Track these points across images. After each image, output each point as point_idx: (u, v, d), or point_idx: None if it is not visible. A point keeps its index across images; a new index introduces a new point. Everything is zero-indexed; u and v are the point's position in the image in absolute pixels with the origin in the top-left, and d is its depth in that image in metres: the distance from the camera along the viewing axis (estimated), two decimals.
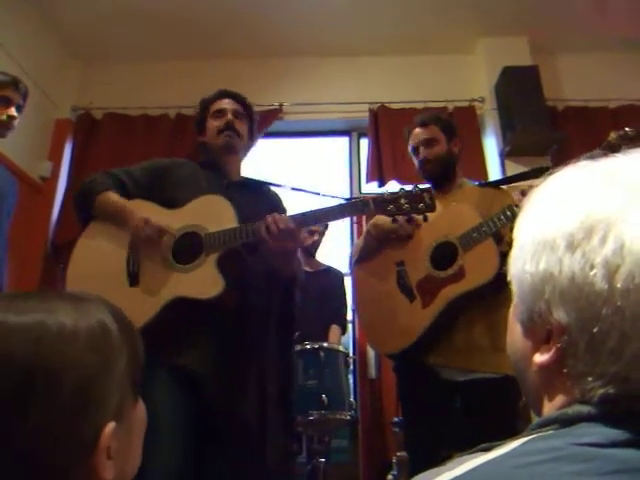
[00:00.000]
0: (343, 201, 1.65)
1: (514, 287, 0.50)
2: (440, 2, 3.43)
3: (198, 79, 3.40)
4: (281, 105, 3.71)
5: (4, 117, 1.92)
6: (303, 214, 1.54)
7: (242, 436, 1.47)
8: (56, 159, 3.55)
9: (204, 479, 1.43)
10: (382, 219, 1.80)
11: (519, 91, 3.34)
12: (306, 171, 4.27)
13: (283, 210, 1.80)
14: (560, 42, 3.72)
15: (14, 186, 2.13)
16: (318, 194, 1.84)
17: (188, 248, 1.54)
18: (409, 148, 2.00)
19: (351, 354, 2.93)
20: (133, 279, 1.56)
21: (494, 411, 1.64)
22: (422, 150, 1.92)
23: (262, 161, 3.79)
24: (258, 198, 1.75)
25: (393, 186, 3.29)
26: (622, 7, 3.36)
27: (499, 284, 1.82)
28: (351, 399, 2.40)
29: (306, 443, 2.47)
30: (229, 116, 1.78)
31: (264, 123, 3.65)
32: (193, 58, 3.74)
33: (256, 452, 1.48)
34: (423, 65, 3.80)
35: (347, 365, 2.48)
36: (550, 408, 0.47)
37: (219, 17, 3.54)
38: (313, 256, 3.15)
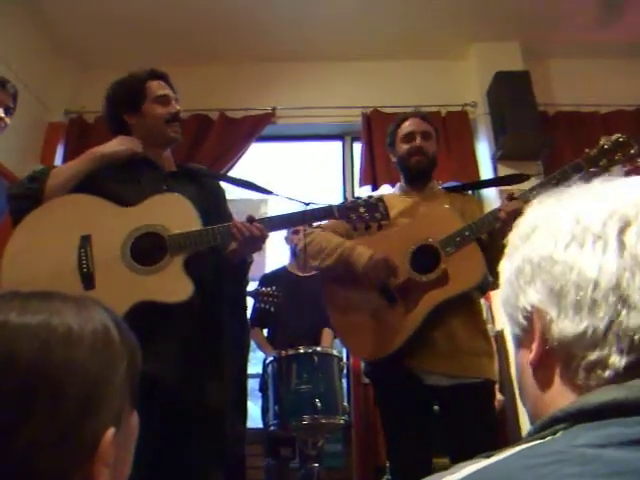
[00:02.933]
0: (304, 206, 1.63)
1: (504, 310, 0.55)
2: (433, 8, 3.45)
3: (191, 84, 3.38)
4: (274, 109, 3.72)
5: None
6: (269, 219, 1.55)
7: (213, 424, 1.47)
8: (48, 163, 3.51)
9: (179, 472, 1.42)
10: (359, 258, 1.71)
11: (511, 96, 3.37)
12: (299, 176, 4.27)
13: (224, 198, 1.79)
14: (552, 48, 3.75)
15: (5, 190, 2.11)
16: (271, 193, 1.81)
17: (147, 249, 1.46)
18: (400, 135, 1.94)
19: (344, 358, 2.93)
20: (88, 281, 1.42)
21: (474, 415, 1.63)
22: (419, 139, 1.90)
23: (255, 165, 3.79)
24: (198, 188, 1.70)
25: (387, 190, 3.29)
26: (614, 13, 3.40)
27: (484, 289, 1.83)
28: (345, 403, 2.39)
29: (299, 447, 2.47)
30: (177, 106, 1.66)
31: (257, 127, 3.66)
32: (186, 63, 3.73)
33: (221, 437, 1.49)
34: (416, 70, 3.82)
35: (340, 369, 2.47)
36: (549, 408, 0.48)
37: (212, 22, 3.54)
38: None
